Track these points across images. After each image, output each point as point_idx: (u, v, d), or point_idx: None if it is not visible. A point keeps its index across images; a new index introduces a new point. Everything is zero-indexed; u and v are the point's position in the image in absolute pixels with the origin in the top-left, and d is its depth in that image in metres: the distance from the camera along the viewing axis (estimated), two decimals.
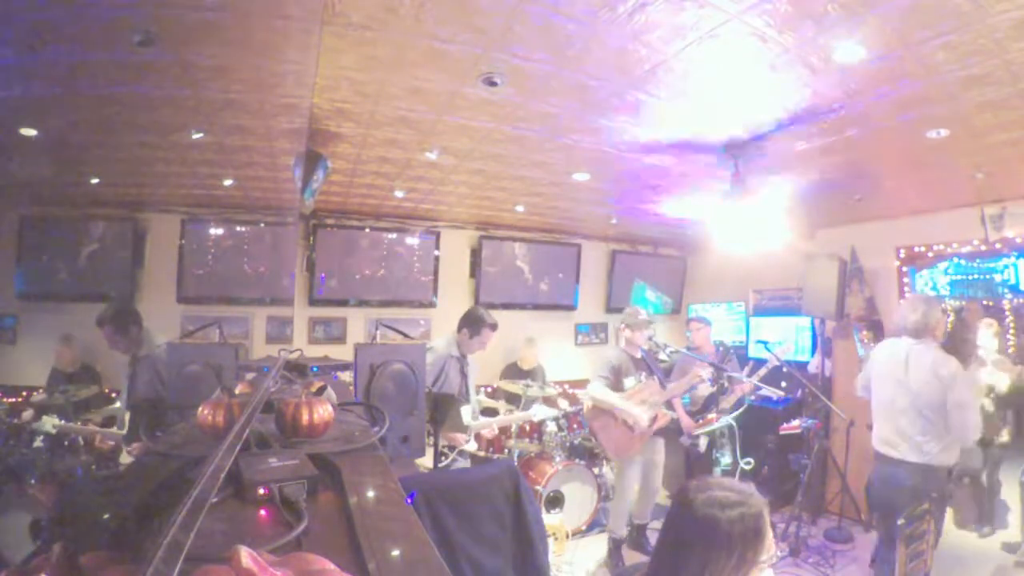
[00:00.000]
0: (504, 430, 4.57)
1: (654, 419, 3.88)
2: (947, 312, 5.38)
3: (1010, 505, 4.22)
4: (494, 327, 3.40)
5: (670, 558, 1.25)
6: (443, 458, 3.71)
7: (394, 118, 3.07)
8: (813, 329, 5.44)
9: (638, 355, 4.04)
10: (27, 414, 2.82)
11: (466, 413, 3.34)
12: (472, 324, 3.35)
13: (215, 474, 0.66)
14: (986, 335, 4.14)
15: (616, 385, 3.89)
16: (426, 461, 2.87)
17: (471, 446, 3.84)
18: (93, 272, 3.04)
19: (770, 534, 1.22)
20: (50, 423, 2.64)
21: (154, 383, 2.32)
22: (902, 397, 2.88)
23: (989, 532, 4.16)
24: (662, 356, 5.35)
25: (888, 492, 2.90)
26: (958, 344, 3.82)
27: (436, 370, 3.23)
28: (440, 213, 5.47)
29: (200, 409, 1.05)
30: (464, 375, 3.40)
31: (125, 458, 2.62)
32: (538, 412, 4.41)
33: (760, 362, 4.51)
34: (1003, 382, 4.03)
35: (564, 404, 5.31)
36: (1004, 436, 4.11)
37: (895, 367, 2.94)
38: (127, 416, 2.58)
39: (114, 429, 2.75)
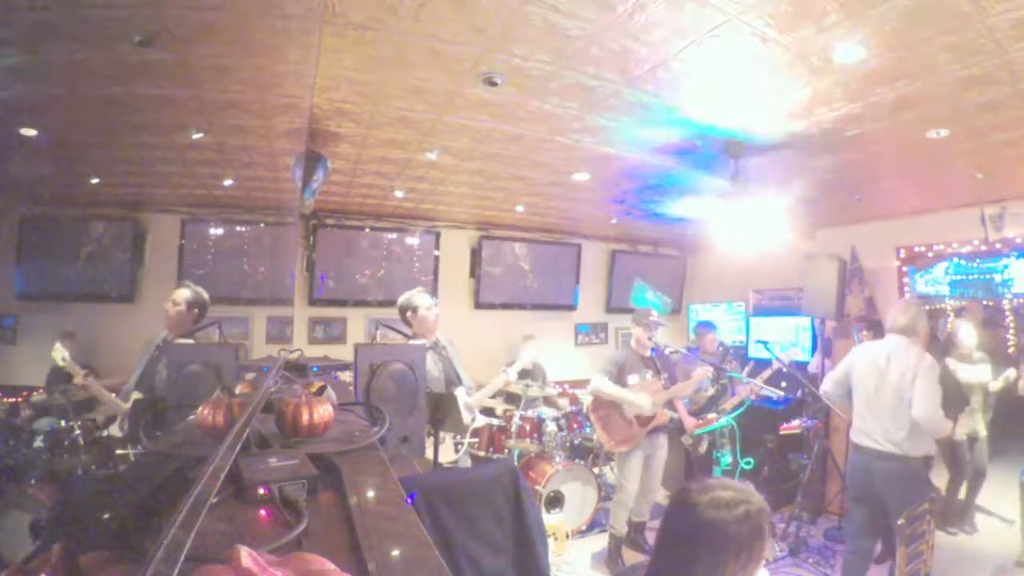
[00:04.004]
0: (504, 429, 4.57)
1: (653, 417, 3.89)
2: (947, 312, 5.41)
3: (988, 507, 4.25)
4: (423, 296, 3.31)
5: (672, 560, 1.24)
6: (458, 448, 3.73)
7: (394, 118, 3.07)
8: (813, 329, 5.44)
9: (646, 354, 4.05)
10: (25, 413, 2.80)
11: (460, 395, 3.30)
12: (410, 308, 3.27)
13: (215, 474, 0.66)
14: (966, 332, 4.18)
15: (619, 380, 3.91)
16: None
17: (479, 421, 3.87)
18: (93, 272, 3.03)
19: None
20: (60, 355, 2.60)
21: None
22: (884, 391, 2.99)
23: (970, 531, 4.19)
24: None
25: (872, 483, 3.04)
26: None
27: None
28: (440, 213, 5.48)
29: (200, 409, 1.05)
30: (444, 358, 3.35)
31: (116, 431, 2.57)
32: (526, 358, 4.18)
33: (760, 362, 4.51)
34: (983, 375, 4.13)
35: (565, 403, 5.31)
36: (982, 432, 4.20)
37: (877, 362, 3.04)
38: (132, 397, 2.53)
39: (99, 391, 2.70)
